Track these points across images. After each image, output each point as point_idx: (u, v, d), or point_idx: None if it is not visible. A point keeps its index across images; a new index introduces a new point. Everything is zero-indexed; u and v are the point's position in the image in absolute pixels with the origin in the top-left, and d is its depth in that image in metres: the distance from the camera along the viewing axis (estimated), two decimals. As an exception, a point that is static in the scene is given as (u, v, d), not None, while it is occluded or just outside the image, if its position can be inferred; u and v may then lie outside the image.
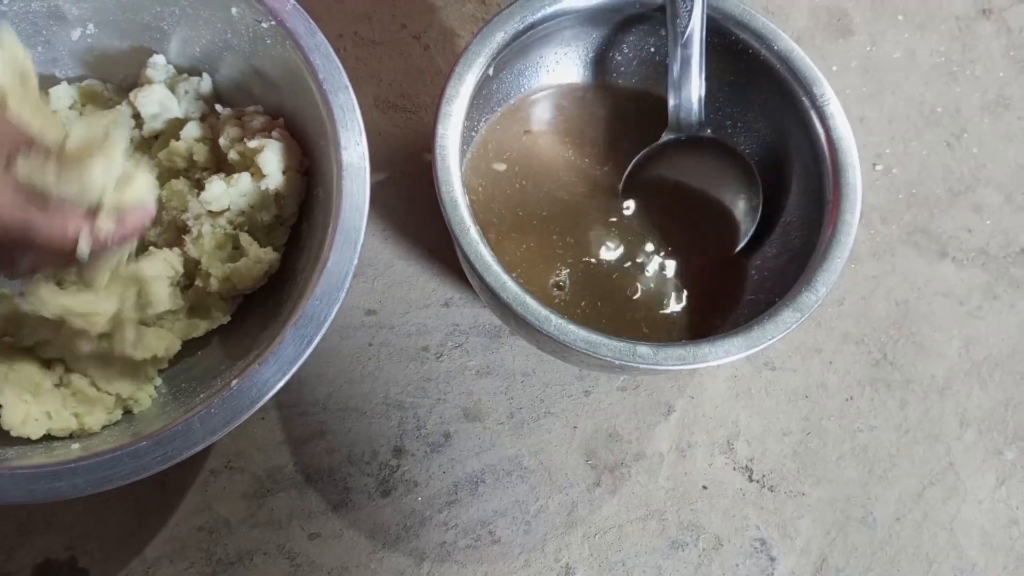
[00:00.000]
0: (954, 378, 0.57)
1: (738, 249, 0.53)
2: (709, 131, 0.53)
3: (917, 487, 0.54)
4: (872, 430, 0.56)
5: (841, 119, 0.50)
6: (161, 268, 0.45)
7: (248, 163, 0.49)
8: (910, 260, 0.60)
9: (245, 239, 0.48)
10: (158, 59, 0.51)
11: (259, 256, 0.48)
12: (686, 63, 0.51)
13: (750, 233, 0.53)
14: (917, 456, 0.55)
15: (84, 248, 0.35)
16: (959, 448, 0.56)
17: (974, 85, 0.66)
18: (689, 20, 0.50)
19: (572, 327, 0.43)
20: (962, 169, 0.63)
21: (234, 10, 0.48)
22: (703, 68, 0.52)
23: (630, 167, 0.53)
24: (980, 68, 0.66)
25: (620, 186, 0.53)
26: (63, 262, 0.36)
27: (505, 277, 0.44)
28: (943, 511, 0.54)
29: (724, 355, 0.44)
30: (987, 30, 0.67)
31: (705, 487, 0.53)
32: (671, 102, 0.52)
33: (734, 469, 0.54)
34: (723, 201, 0.54)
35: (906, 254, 0.60)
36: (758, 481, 0.54)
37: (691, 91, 0.52)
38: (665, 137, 0.53)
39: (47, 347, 0.44)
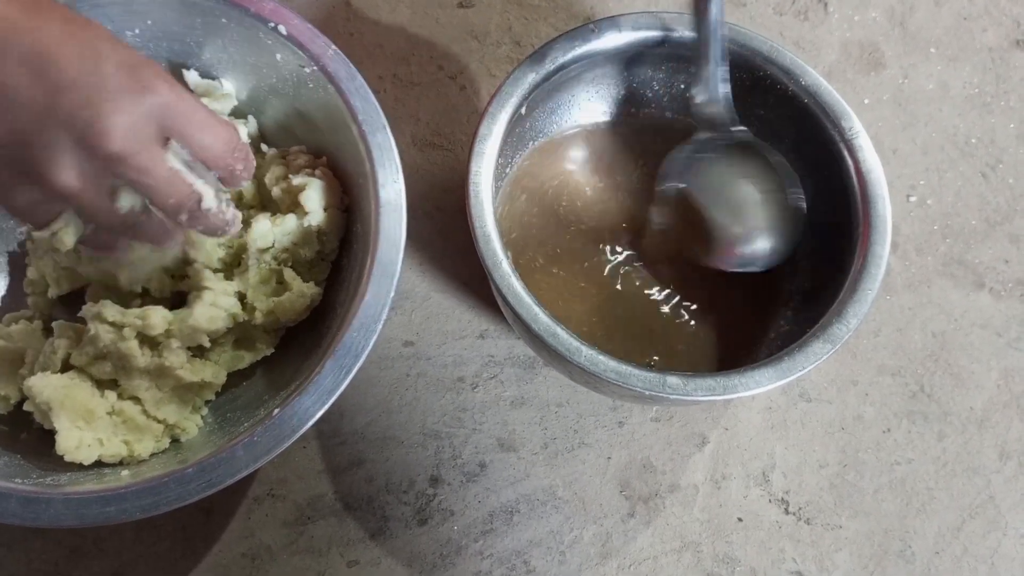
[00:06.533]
0: (993, 410, 0.57)
1: (774, 263, 0.51)
2: (744, 129, 0.51)
3: (956, 520, 0.54)
4: (910, 463, 0.55)
5: (870, 151, 0.50)
6: (212, 297, 0.47)
7: (291, 200, 0.51)
8: (946, 291, 0.60)
9: (289, 274, 0.50)
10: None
11: (302, 291, 0.50)
12: (707, 56, 0.50)
13: (794, 241, 0.50)
14: (956, 489, 0.55)
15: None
16: (999, 481, 0.55)
17: (1009, 116, 0.66)
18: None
19: (602, 358, 0.44)
20: (998, 200, 0.63)
21: (279, 56, 0.50)
22: (724, 55, 0.50)
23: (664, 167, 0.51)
24: (1015, 98, 0.66)
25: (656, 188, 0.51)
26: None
27: (537, 309, 0.45)
28: (983, 545, 0.53)
29: (754, 386, 0.44)
30: (1021, 60, 0.67)
31: (740, 519, 0.53)
32: (698, 98, 0.51)
33: (770, 501, 0.54)
34: (761, 209, 0.51)
35: (942, 285, 0.60)
36: (794, 513, 0.54)
37: (717, 84, 0.50)
38: (701, 135, 0.51)
39: (103, 364, 0.46)
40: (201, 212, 0.41)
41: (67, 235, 0.41)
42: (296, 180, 0.49)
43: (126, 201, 0.40)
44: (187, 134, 0.39)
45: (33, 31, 0.36)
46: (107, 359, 0.46)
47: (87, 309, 0.46)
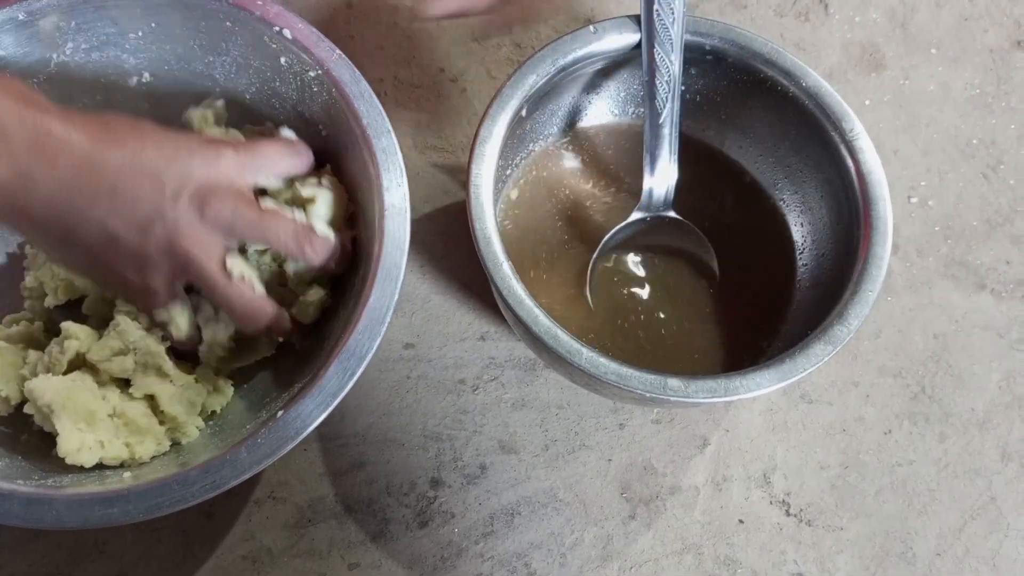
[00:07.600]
0: (994, 411, 0.57)
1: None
2: (673, 212, 0.54)
3: (958, 522, 0.54)
4: (911, 464, 0.55)
5: (870, 153, 0.50)
6: None
7: (297, 204, 0.50)
8: (948, 292, 0.60)
9: (294, 280, 0.50)
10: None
11: (309, 296, 0.49)
12: (660, 143, 0.52)
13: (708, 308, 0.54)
14: (957, 490, 0.55)
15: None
16: (1000, 482, 0.55)
17: (1010, 116, 0.66)
18: (666, 103, 0.51)
19: (603, 360, 0.44)
20: (999, 201, 0.63)
21: (283, 60, 0.50)
22: (675, 152, 0.52)
23: (601, 244, 0.54)
24: (1016, 99, 0.66)
25: (593, 258, 0.54)
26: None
27: (537, 311, 0.45)
28: (985, 546, 0.53)
29: (755, 388, 0.44)
30: (1022, 61, 0.67)
31: (741, 521, 0.53)
32: (645, 184, 0.53)
33: (771, 503, 0.54)
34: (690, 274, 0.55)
35: (943, 286, 0.60)
36: (795, 515, 0.54)
37: (662, 173, 0.53)
38: (634, 216, 0.54)
39: (124, 359, 0.47)
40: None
41: (181, 319, 0.47)
42: (305, 191, 0.49)
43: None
44: (264, 175, 0.47)
45: (102, 166, 0.41)
46: (128, 354, 0.46)
47: (120, 304, 0.47)
